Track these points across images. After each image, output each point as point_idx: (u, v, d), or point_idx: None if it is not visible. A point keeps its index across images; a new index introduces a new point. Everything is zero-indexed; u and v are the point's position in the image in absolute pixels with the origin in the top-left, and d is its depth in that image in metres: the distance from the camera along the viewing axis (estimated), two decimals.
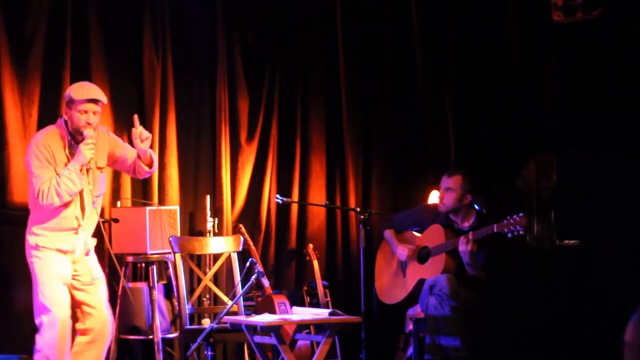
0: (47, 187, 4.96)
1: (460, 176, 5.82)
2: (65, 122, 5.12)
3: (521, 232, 5.50)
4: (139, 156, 5.27)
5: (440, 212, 5.92)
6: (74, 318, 5.22)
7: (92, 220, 5.21)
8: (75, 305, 5.19)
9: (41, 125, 5.99)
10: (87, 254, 5.19)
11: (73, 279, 5.15)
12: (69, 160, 5.06)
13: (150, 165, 5.29)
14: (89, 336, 5.16)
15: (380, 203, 7.22)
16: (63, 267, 5.09)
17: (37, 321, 5.07)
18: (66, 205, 5.06)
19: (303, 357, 6.40)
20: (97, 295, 5.19)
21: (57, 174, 5.00)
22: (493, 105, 6.85)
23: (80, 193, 5.09)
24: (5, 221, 5.92)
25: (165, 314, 6.34)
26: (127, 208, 6.38)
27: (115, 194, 6.47)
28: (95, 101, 5.08)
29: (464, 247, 5.63)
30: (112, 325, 5.26)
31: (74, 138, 5.11)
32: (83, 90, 5.08)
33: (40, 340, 5.04)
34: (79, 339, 5.17)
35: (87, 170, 5.08)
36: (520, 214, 5.50)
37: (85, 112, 5.06)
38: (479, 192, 5.91)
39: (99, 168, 5.21)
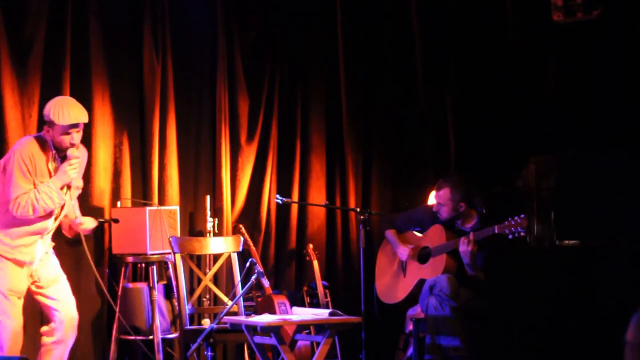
0: (24, 200, 4.99)
1: (448, 189, 5.81)
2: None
3: (522, 234, 5.50)
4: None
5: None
6: (41, 321, 5.28)
7: (53, 227, 5.25)
8: (40, 308, 5.25)
9: (41, 125, 5.98)
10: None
11: (31, 284, 5.17)
12: (50, 172, 5.09)
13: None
14: (55, 337, 5.17)
15: (380, 203, 7.21)
16: (18, 281, 5.10)
17: None
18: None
19: (303, 358, 6.40)
20: (59, 292, 5.20)
21: (35, 186, 5.01)
22: (493, 105, 6.83)
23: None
24: None
25: (165, 314, 6.34)
26: (127, 208, 6.37)
27: (115, 194, 6.46)
28: (77, 124, 5.10)
29: (464, 247, 5.63)
30: (77, 321, 5.24)
31: (58, 151, 5.13)
32: (64, 115, 5.04)
33: None
34: (45, 339, 5.18)
35: (68, 188, 5.14)
36: (522, 216, 5.50)
37: (69, 133, 5.08)
38: (477, 194, 5.89)
39: (78, 187, 5.28)
